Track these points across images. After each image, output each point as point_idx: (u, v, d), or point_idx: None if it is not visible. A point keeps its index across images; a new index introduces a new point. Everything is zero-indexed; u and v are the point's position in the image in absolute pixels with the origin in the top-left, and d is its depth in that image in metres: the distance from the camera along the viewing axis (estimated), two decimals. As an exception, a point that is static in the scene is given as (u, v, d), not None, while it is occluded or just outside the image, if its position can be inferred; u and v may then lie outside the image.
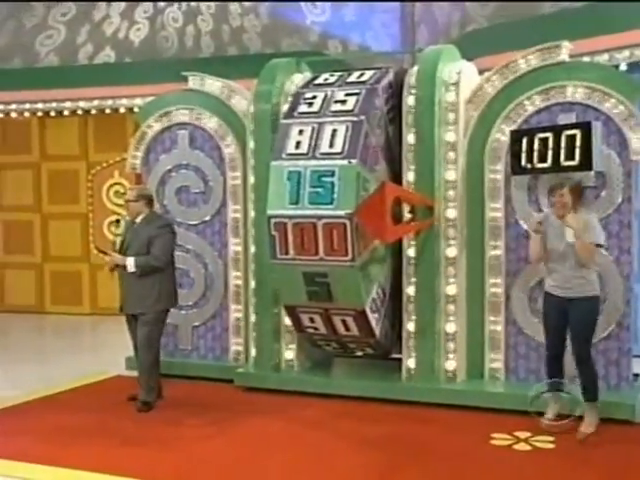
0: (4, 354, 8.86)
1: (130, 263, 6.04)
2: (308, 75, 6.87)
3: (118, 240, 6.48)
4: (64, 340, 9.72)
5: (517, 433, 5.39)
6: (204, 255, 7.24)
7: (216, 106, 7.11)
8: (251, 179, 6.80)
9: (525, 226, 6.02)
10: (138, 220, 6.20)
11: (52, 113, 11.28)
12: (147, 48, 11.54)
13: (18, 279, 11.77)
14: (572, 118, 5.82)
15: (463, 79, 6.22)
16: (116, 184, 11.24)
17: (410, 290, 6.24)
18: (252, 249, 6.80)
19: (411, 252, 6.24)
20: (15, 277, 11.80)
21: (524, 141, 5.86)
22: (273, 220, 6.05)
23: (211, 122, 7.13)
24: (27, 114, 11.39)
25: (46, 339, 10.42)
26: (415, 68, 6.33)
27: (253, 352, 6.83)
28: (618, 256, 5.78)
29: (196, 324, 7.29)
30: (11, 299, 11.83)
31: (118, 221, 6.28)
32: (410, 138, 6.20)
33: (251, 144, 6.76)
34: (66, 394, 6.76)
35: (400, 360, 6.37)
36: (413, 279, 6.22)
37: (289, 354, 6.72)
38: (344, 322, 6.19)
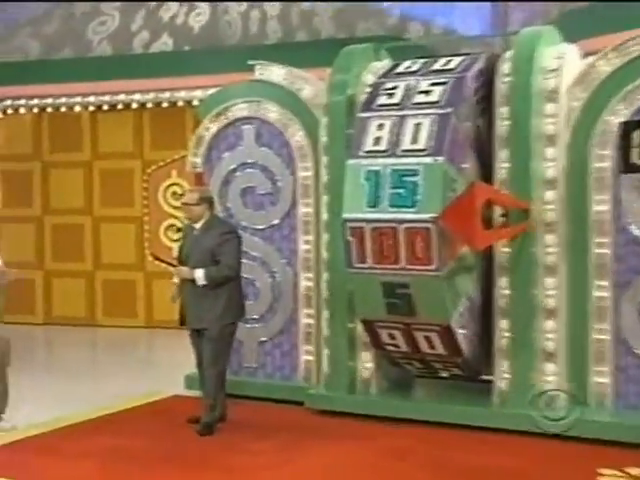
0: (52, 371, 9.12)
1: (199, 276, 6.11)
2: (388, 63, 6.88)
3: (176, 248, 6.63)
4: (117, 356, 9.96)
5: (628, 469, 5.29)
6: (271, 263, 7.31)
7: (285, 98, 7.18)
8: (324, 178, 6.86)
9: (637, 232, 5.91)
10: (198, 226, 6.29)
11: (105, 107, 11.60)
12: (208, 35, 11.76)
13: (67, 288, 12.11)
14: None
15: (564, 65, 6.16)
16: (174, 185, 11.47)
17: (503, 303, 6.20)
18: (324, 254, 6.85)
19: (504, 260, 6.20)
20: (64, 286, 12.14)
21: (635, 134, 5.76)
22: (349, 224, 6.09)
23: (279, 116, 7.21)
24: (78, 108, 11.73)
25: (98, 354, 10.70)
26: (509, 53, 6.30)
27: (325, 371, 6.88)
28: None
29: (262, 339, 7.37)
30: (59, 310, 12.17)
31: (180, 229, 6.40)
32: (503, 131, 6.18)
33: (324, 140, 6.82)
34: (121, 415, 6.92)
35: (491, 382, 6.33)
36: (506, 290, 6.18)
37: (366, 373, 6.74)
38: (428, 339, 6.19)
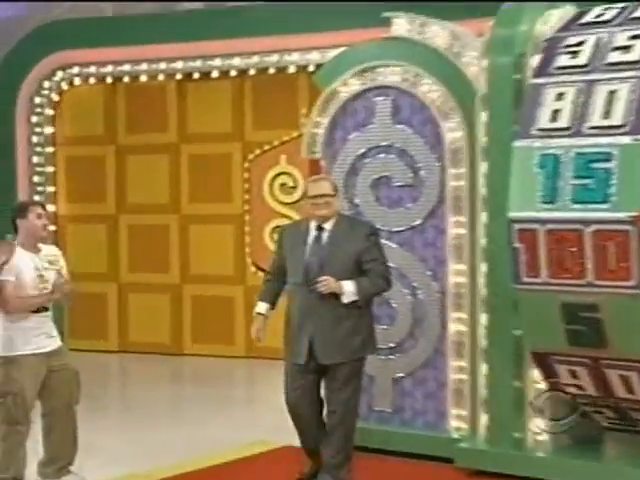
0: (129, 411, 9.34)
1: (350, 290, 6.07)
2: (570, 11, 6.76)
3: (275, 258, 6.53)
4: (209, 393, 10.07)
5: None
6: (411, 276, 7.27)
7: (431, 61, 7.14)
8: (482, 167, 6.80)
9: None
10: (329, 226, 6.26)
11: (195, 75, 11.80)
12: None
13: (147, 306, 12.37)
14: None
15: None
16: (283, 174, 11.56)
17: None
18: (482, 268, 6.78)
19: None
20: (143, 303, 12.41)
21: None
22: (517, 226, 6.06)
23: (423, 84, 7.17)
24: (162, 77, 12.00)
25: (185, 390, 10.86)
26: None
27: (484, 419, 6.82)
28: None
29: (399, 375, 7.33)
30: (137, 334, 12.44)
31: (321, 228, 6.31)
32: None
33: (483, 116, 6.76)
34: (218, 470, 6.99)
35: None
36: None
37: (538, 424, 6.65)
38: (624, 379, 6.08)
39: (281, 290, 6.47)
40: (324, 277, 6.07)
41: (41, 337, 6.14)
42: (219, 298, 11.92)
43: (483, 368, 6.84)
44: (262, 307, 6.43)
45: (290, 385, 6.31)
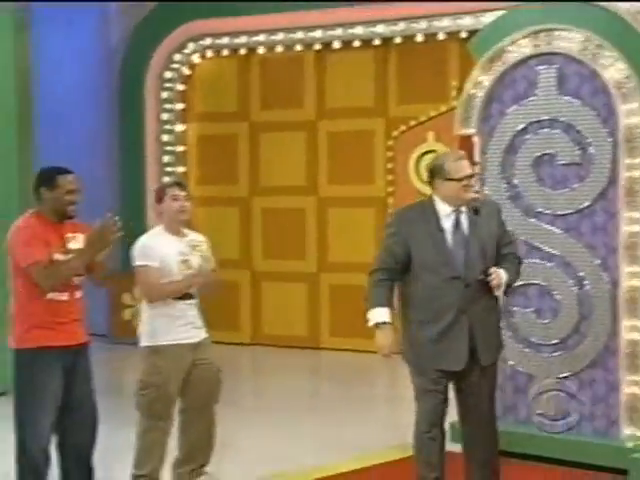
0: (266, 409, 9.39)
1: (505, 280, 5.88)
2: None
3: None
4: (347, 389, 10.12)
5: None
6: (577, 265, 7.13)
7: (600, 23, 6.99)
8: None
9: None
10: (464, 209, 6.06)
11: (335, 44, 11.76)
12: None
13: (282, 297, 12.45)
14: None
15: None
16: (430, 152, 11.39)
17: None
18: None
19: None
20: (278, 293, 12.50)
21: None
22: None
23: (593, 50, 7.01)
24: (299, 47, 12.01)
25: (322, 388, 10.89)
26: None
27: (661, 427, 6.68)
28: None
29: (563, 375, 7.19)
30: (272, 325, 12.54)
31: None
32: None
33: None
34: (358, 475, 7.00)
35: None
36: None
37: None
38: None
39: (394, 289, 6.03)
40: (493, 269, 5.83)
41: (187, 327, 6.17)
42: (359, 288, 11.68)
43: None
44: (385, 314, 5.77)
45: (432, 400, 5.90)
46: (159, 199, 6.27)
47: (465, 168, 5.96)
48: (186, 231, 6.32)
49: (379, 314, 5.78)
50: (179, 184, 6.46)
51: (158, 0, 12.26)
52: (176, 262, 6.13)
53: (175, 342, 6.10)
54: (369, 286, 5.93)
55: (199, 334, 6.25)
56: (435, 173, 5.97)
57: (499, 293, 5.89)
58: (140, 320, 6.28)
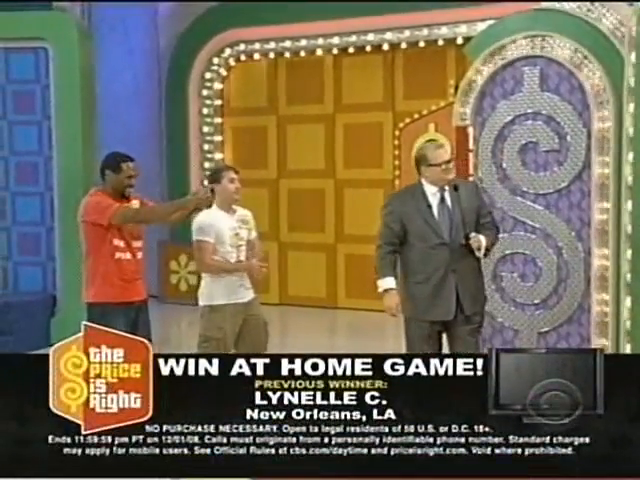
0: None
1: (484, 244, 5.92)
2: None
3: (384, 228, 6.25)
4: (360, 346, 10.09)
5: None
6: (556, 236, 7.15)
7: (579, 31, 6.97)
8: (629, 130, 6.66)
9: None
10: (447, 187, 6.05)
11: (350, 49, 11.74)
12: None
13: (305, 263, 12.47)
14: None
15: None
16: (431, 141, 11.39)
17: None
18: (627, 227, 6.60)
19: None
20: (301, 261, 12.52)
21: None
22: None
23: (571, 54, 7.02)
24: (319, 52, 11.97)
25: (339, 342, 10.89)
26: None
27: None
28: None
29: (544, 330, 7.22)
30: (296, 289, 12.56)
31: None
32: None
33: (631, 81, 6.56)
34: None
35: None
36: None
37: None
38: None
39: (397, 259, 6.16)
40: (474, 234, 5.91)
41: (241, 289, 6.18)
42: (370, 257, 11.79)
43: (628, 323, 6.71)
44: (391, 282, 5.97)
45: (425, 347, 6.04)
46: (215, 180, 6.27)
47: (443, 155, 6.02)
48: (235, 207, 6.32)
49: (386, 282, 5.98)
50: (234, 169, 6.44)
51: (207, 0, 12.22)
52: (229, 236, 6.15)
53: (231, 302, 6.13)
54: (377, 259, 6.12)
55: (249, 294, 6.26)
56: (420, 161, 6.06)
57: (480, 254, 5.95)
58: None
